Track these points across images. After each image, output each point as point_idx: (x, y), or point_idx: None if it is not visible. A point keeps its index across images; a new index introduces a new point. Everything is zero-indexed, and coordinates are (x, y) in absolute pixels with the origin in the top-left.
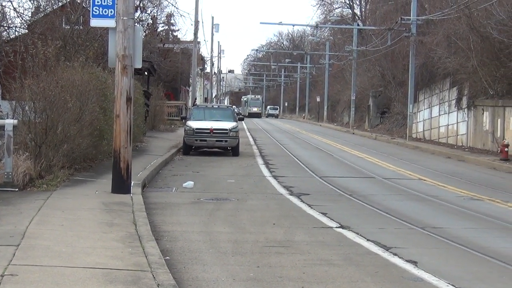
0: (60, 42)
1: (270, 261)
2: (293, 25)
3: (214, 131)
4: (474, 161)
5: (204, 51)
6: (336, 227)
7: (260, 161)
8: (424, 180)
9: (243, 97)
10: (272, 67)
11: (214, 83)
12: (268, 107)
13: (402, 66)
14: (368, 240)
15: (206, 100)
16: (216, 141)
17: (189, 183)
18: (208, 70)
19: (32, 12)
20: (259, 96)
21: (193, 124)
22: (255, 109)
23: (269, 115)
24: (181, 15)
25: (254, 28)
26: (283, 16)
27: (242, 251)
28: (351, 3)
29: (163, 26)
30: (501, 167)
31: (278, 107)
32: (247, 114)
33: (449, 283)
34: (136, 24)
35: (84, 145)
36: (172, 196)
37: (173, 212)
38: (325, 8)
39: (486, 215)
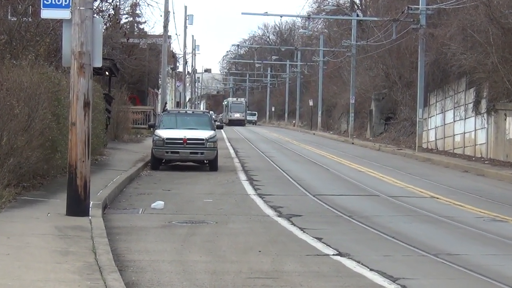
0: (5, 37)
1: None
2: (281, 16)
3: (188, 141)
4: (495, 175)
5: (176, 47)
6: (334, 255)
7: (242, 176)
8: (437, 198)
9: (224, 100)
10: (257, 65)
11: (187, 84)
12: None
13: (409, 64)
14: (371, 269)
15: (178, 104)
16: (191, 153)
17: (159, 203)
18: (180, 69)
19: None
20: (242, 99)
21: (163, 133)
22: (237, 115)
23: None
24: (148, 5)
25: (234, 20)
26: (269, 5)
27: (222, 284)
28: None
29: (127, 18)
30: None
31: (256, 112)
32: (227, 121)
33: None
34: (95, 15)
35: (33, 159)
36: (138, 218)
37: (139, 238)
38: None
39: (511, 239)
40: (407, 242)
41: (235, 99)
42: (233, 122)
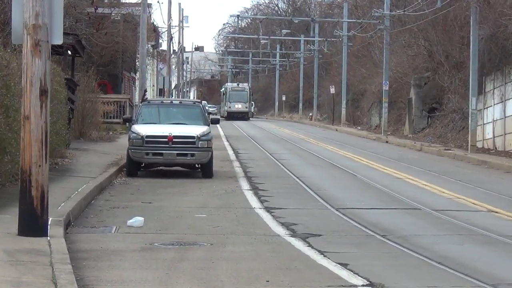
0: None
1: None
2: None
3: (174, 139)
4: None
5: (159, 18)
6: (363, 286)
7: (245, 185)
8: (496, 212)
9: (222, 87)
10: (262, 42)
11: (173, 66)
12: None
13: (459, 40)
14: None
15: (161, 92)
16: (178, 155)
17: (137, 220)
18: (164, 47)
19: None
20: (245, 84)
21: (142, 129)
22: (238, 106)
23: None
24: None
25: None
26: None
27: None
28: None
29: None
30: None
31: (252, 102)
32: (225, 114)
33: None
34: None
35: None
36: (111, 239)
37: (113, 265)
38: None
39: None
40: (457, 269)
41: (235, 84)
42: (233, 115)
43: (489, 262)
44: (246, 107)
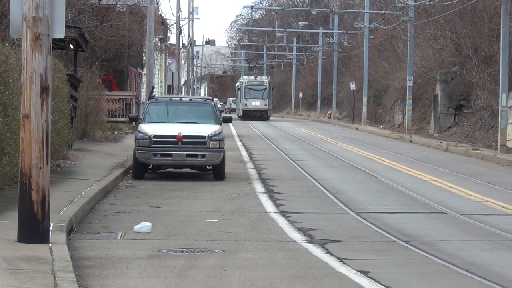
0: None
1: None
2: None
3: (184, 139)
4: None
5: (167, 10)
6: None
7: (259, 188)
8: None
9: (238, 81)
10: (278, 35)
11: (183, 61)
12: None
13: (488, 32)
14: None
15: (170, 89)
16: (188, 156)
17: (144, 225)
18: (173, 40)
19: None
20: (264, 78)
21: (150, 128)
22: (255, 103)
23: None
24: None
25: None
26: None
27: None
28: None
29: None
30: None
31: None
32: (240, 112)
33: None
34: None
35: None
36: (116, 246)
37: (118, 273)
38: None
39: None
40: (485, 276)
41: (252, 78)
42: (250, 114)
43: None
44: (266, 105)
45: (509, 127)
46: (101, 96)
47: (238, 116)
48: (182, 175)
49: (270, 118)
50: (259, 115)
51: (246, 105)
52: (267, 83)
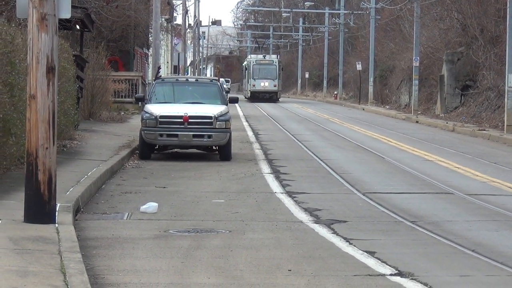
0: None
1: None
2: None
3: (190, 120)
4: None
5: None
6: (392, 275)
7: (265, 168)
8: None
9: (245, 60)
10: (284, 15)
11: (189, 42)
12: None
13: (495, 12)
14: None
15: (176, 70)
16: (194, 136)
17: (151, 206)
18: (179, 21)
19: None
20: (273, 57)
21: (156, 109)
22: (264, 84)
23: None
24: None
25: None
26: None
27: None
28: None
29: None
30: None
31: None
32: (248, 94)
33: None
34: None
35: None
36: (123, 226)
37: (125, 253)
38: None
39: None
40: (492, 257)
41: (261, 56)
42: (258, 96)
43: None
44: (275, 86)
45: None
46: (107, 77)
47: (245, 98)
48: (189, 155)
49: (280, 99)
50: (268, 97)
51: (254, 86)
52: (277, 62)
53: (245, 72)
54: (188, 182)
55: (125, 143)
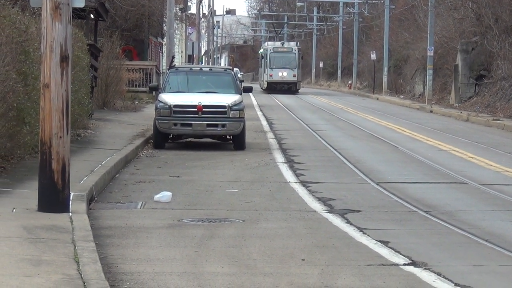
0: None
1: None
2: None
3: (204, 109)
4: None
5: None
6: (405, 264)
7: (279, 158)
8: None
9: (261, 47)
10: (298, 4)
11: (203, 31)
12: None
13: (509, 2)
14: (456, 284)
15: (190, 59)
16: (208, 126)
17: (164, 195)
18: (193, 10)
19: None
20: (292, 44)
21: (170, 98)
22: (283, 74)
23: None
24: None
25: None
26: None
27: None
28: None
29: None
30: None
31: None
32: (264, 84)
33: None
34: None
35: None
36: (137, 215)
37: (138, 242)
38: None
39: None
40: (505, 247)
41: (279, 44)
42: (276, 86)
43: None
44: (294, 76)
45: None
46: (122, 66)
47: (261, 89)
48: (202, 144)
49: (299, 91)
50: (287, 88)
51: (271, 76)
52: (296, 50)
53: (261, 61)
54: (202, 171)
55: (139, 132)
